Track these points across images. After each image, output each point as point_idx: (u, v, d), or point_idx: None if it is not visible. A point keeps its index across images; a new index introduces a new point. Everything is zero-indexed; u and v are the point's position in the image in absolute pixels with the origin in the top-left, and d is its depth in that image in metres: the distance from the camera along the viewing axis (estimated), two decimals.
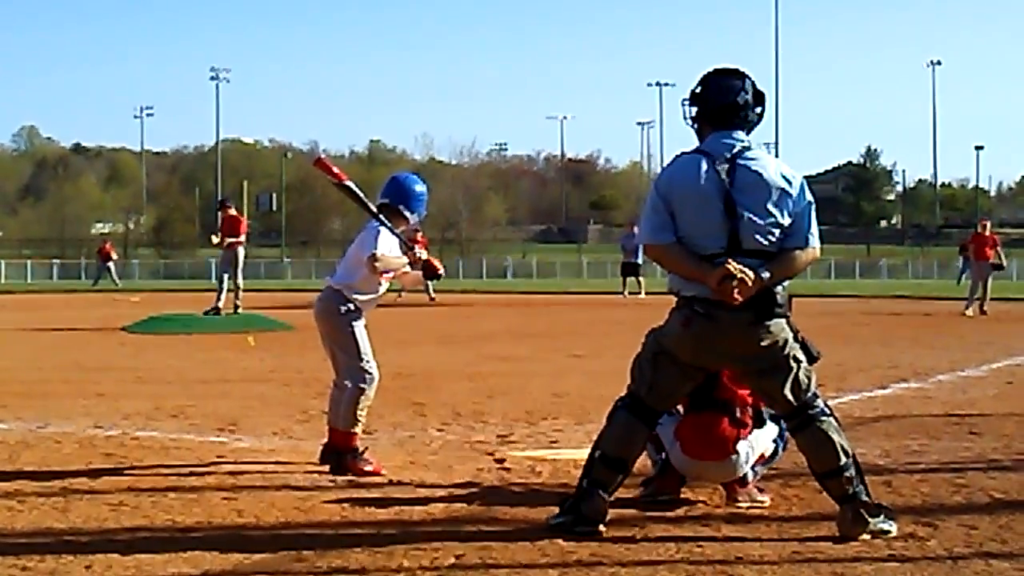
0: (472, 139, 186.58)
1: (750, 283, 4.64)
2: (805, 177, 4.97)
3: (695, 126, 5.00)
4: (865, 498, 4.79)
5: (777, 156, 5.26)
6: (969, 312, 21.70)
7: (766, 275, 4.70)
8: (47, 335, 18.01)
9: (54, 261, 69.73)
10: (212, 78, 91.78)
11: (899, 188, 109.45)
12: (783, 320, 4.83)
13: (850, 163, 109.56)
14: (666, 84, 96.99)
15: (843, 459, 4.79)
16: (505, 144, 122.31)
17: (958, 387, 10.25)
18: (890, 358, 12.90)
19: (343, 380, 6.33)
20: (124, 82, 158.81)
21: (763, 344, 4.78)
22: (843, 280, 56.13)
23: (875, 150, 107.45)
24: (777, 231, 4.78)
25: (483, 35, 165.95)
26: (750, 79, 4.96)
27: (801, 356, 4.87)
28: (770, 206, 4.76)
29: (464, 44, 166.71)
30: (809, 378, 4.88)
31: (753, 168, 4.80)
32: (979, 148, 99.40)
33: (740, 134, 4.89)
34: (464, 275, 61.33)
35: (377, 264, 6.20)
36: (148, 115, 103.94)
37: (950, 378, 10.93)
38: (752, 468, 5.38)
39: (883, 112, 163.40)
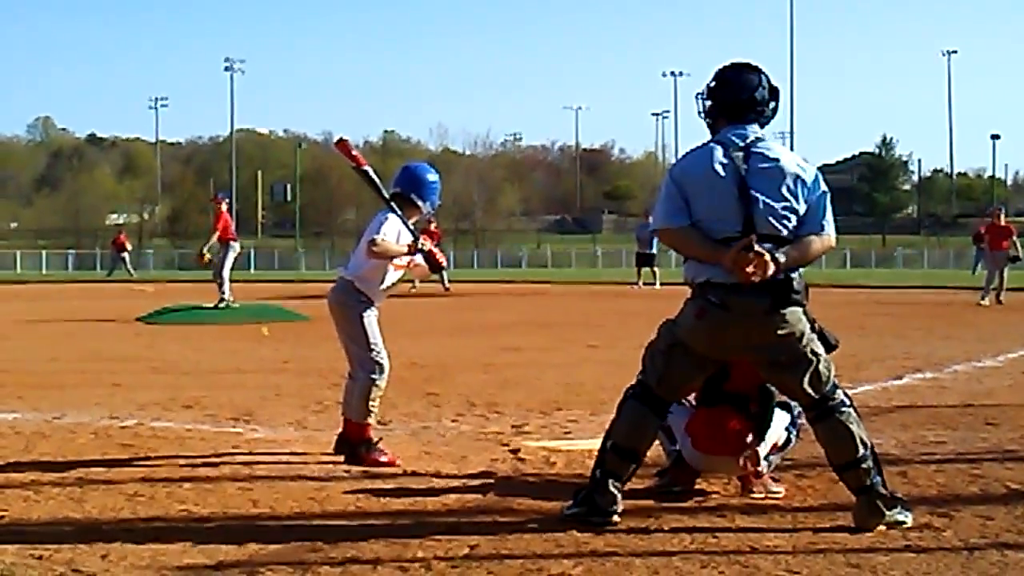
0: (487, 129, 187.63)
1: (767, 258, 4.61)
2: (820, 167, 4.96)
3: (709, 120, 5.01)
4: (882, 489, 4.78)
5: (792, 146, 5.22)
6: (985, 302, 21.59)
7: (781, 258, 4.68)
8: (62, 326, 18.07)
9: (69, 252, 69.95)
10: (227, 69, 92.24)
11: (915, 178, 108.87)
12: (800, 309, 4.80)
13: (865, 153, 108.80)
14: (681, 74, 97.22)
15: (861, 451, 4.78)
16: (520, 134, 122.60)
17: (974, 377, 10.21)
18: (905, 348, 12.85)
19: (356, 371, 6.34)
20: (139, 73, 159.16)
21: (780, 333, 4.75)
22: (858, 270, 55.99)
23: (891, 140, 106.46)
24: (792, 217, 4.76)
25: (498, 25, 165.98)
26: (765, 74, 4.96)
27: (819, 348, 4.85)
28: (785, 191, 4.75)
29: (479, 34, 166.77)
30: (829, 370, 4.86)
31: (768, 154, 4.80)
32: (995, 137, 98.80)
33: (754, 127, 4.89)
34: (478, 265, 61.33)
35: (375, 248, 6.19)
36: (163, 106, 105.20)
37: (966, 368, 10.88)
38: (766, 458, 5.37)
39: (898, 102, 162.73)
